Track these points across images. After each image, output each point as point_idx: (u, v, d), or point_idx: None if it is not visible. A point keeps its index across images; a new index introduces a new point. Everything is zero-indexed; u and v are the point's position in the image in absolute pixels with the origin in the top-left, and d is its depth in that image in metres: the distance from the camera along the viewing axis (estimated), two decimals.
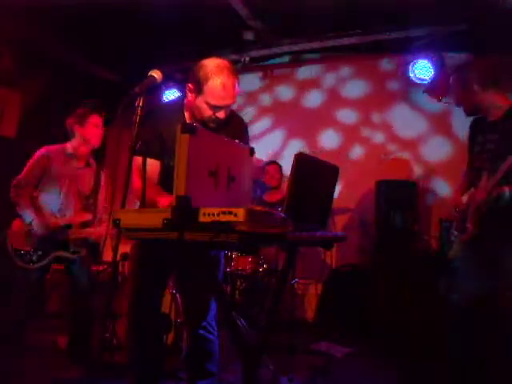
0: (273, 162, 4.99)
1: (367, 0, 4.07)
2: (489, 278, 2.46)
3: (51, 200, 3.22)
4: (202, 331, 2.38)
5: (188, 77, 2.29)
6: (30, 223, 3.11)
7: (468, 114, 2.67)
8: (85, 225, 3.25)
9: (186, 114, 2.36)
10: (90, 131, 3.32)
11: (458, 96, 2.65)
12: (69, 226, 3.20)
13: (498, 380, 2.42)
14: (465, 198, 2.64)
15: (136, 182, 2.18)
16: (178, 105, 2.40)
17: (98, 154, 3.42)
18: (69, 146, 3.31)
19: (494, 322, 2.41)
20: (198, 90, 2.20)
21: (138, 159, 2.13)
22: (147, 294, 2.35)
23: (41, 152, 3.25)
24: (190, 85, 2.25)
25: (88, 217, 3.28)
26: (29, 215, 3.12)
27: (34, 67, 4.62)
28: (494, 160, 2.43)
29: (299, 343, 3.87)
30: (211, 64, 2.20)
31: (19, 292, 3.12)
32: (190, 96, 2.27)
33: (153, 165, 2.25)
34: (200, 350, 2.40)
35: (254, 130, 5.59)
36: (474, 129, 2.74)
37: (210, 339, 2.41)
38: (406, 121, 5.11)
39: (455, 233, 2.67)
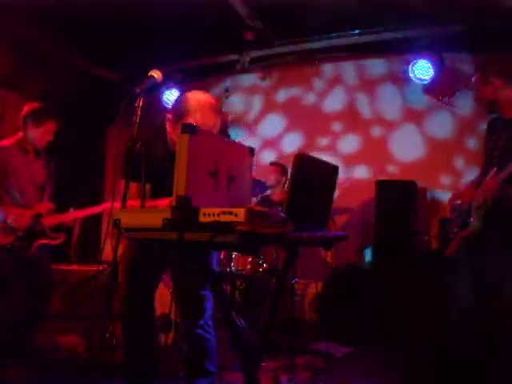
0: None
1: (367, 0, 4.07)
2: (489, 277, 2.46)
3: (11, 194, 3.24)
4: (199, 330, 2.40)
5: (172, 105, 2.29)
6: (5, 221, 3.14)
7: (489, 111, 2.67)
8: (50, 213, 3.32)
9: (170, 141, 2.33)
10: (42, 135, 3.33)
11: (480, 92, 2.64)
12: (40, 215, 3.25)
13: (499, 380, 2.41)
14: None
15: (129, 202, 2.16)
16: (163, 130, 2.35)
17: (98, 154, 3.42)
18: (22, 140, 3.32)
19: (496, 321, 2.41)
20: (177, 122, 2.15)
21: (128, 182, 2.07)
22: (139, 293, 2.36)
23: None
24: (169, 115, 2.22)
25: (51, 206, 3.35)
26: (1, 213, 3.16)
27: (33, 67, 4.62)
28: (504, 156, 2.41)
29: (299, 343, 3.87)
30: (194, 98, 2.17)
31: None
32: (168, 126, 2.25)
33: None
34: (198, 350, 2.41)
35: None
36: (490, 127, 2.72)
37: (208, 338, 2.42)
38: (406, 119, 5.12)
39: (455, 229, 2.66)
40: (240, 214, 1.45)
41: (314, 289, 4.93)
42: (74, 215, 3.38)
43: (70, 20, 4.29)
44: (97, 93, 5.28)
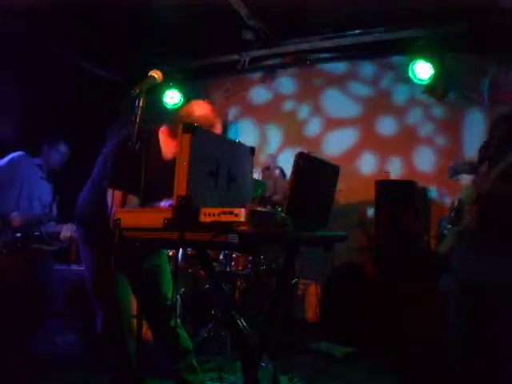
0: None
1: (367, 0, 4.07)
2: (488, 277, 2.46)
3: (17, 202, 3.45)
4: (178, 329, 2.48)
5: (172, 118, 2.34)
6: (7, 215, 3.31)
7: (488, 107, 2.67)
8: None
9: (164, 151, 2.36)
10: (54, 156, 3.76)
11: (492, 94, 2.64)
12: (39, 222, 3.41)
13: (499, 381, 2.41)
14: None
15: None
16: (156, 142, 2.37)
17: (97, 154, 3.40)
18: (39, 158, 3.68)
19: (495, 321, 2.41)
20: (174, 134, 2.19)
21: (118, 193, 2.03)
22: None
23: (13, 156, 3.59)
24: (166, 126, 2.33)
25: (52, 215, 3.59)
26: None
27: (33, 67, 4.61)
28: (497, 151, 2.41)
29: (299, 343, 3.87)
30: (197, 107, 2.28)
31: None
32: (168, 139, 2.31)
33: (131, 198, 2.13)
34: (183, 348, 2.47)
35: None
36: (490, 127, 2.72)
37: (186, 336, 2.53)
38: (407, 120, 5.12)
39: (448, 226, 2.65)
40: (240, 213, 1.45)
41: (314, 289, 4.93)
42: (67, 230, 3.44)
43: (70, 20, 4.29)
44: (97, 93, 5.27)
